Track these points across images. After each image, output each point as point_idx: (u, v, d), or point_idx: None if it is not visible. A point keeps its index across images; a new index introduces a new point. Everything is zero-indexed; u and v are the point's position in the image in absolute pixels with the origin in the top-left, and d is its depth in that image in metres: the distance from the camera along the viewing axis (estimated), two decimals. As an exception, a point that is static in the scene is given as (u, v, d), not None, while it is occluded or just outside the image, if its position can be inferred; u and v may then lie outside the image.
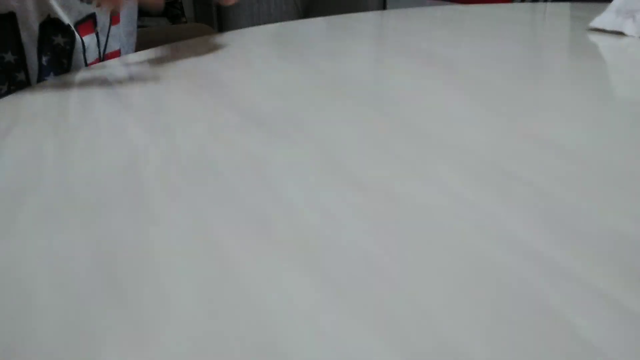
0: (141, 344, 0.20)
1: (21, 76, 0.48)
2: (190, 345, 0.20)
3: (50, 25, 0.48)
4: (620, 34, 0.65)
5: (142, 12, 1.93)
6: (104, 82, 0.49)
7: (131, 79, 0.51)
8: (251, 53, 0.60)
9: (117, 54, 0.54)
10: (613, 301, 0.22)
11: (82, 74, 0.50)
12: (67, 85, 0.47)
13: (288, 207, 0.29)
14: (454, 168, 0.33)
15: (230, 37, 0.67)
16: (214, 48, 0.62)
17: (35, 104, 0.43)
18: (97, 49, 0.51)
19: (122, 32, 0.57)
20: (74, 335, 0.21)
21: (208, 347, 0.20)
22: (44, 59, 0.49)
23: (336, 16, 0.79)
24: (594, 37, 0.65)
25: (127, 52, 0.59)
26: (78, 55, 0.50)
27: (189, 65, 0.54)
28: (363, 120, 0.40)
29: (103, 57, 0.53)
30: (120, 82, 0.49)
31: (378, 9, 0.90)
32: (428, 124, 0.40)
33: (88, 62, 0.52)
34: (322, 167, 0.33)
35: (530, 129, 0.39)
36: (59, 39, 0.48)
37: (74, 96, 0.45)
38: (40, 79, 0.49)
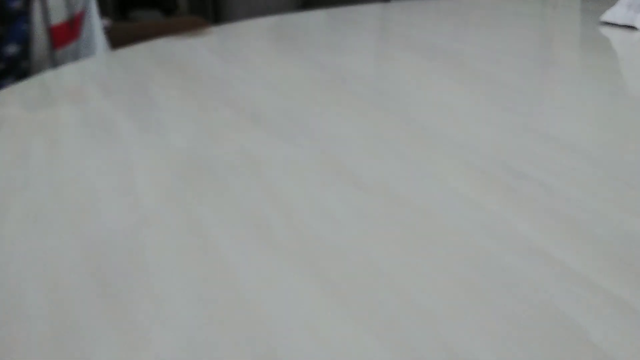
0: (133, 348, 0.19)
1: None
2: (184, 350, 0.19)
3: None
4: (631, 27, 0.64)
5: (134, 3, 1.90)
6: (94, 78, 0.47)
7: (123, 74, 0.49)
8: (248, 47, 0.58)
9: (82, 14, 0.50)
10: (623, 304, 0.22)
11: (71, 69, 0.49)
12: (55, 81, 0.46)
13: (287, 207, 0.28)
14: (459, 167, 0.32)
15: (226, 30, 0.66)
16: (209, 42, 0.60)
17: (23, 102, 0.41)
18: (65, 8, 0.46)
19: None
20: (65, 338, 0.20)
21: (202, 353, 0.19)
22: (1, 28, 0.45)
23: (337, 8, 0.77)
24: (605, 31, 0.64)
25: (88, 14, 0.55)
26: (37, 17, 0.45)
27: (182, 60, 0.52)
28: (365, 117, 0.39)
29: (74, 18, 0.49)
30: (111, 77, 0.47)
31: (381, 0, 0.88)
32: (432, 121, 0.38)
33: (52, 22, 0.48)
34: (322, 166, 0.32)
35: (538, 126, 0.37)
36: (16, 3, 0.43)
37: (63, 93, 0.43)
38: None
